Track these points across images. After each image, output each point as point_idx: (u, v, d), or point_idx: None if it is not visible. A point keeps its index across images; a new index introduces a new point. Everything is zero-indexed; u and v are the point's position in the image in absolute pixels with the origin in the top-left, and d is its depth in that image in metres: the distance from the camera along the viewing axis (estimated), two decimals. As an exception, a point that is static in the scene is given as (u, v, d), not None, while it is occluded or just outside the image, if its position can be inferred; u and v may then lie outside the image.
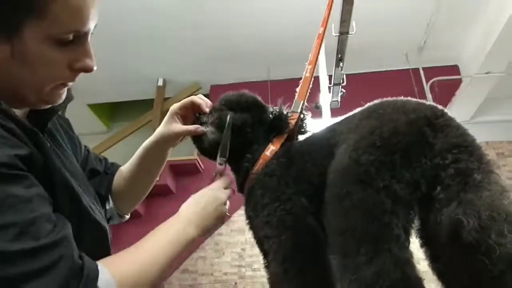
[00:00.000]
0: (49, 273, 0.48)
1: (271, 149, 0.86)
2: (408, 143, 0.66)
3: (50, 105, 0.64)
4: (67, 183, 0.63)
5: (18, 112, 0.62)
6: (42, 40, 0.55)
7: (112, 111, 5.38)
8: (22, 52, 0.54)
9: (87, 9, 0.56)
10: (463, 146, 0.65)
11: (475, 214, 0.56)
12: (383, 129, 0.68)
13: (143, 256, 0.63)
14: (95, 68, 0.62)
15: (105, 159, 0.96)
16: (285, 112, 0.90)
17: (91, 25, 0.59)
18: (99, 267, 0.53)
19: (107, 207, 0.90)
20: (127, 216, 0.97)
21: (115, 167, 0.95)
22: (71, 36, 0.56)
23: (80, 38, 0.58)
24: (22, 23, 0.53)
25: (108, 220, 0.90)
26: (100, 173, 0.90)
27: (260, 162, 0.85)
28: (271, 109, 0.93)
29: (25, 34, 0.53)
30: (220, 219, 0.79)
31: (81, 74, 0.63)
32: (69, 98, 0.69)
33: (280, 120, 0.89)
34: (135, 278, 0.58)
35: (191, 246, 0.73)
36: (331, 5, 1.04)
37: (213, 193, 0.80)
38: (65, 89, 0.64)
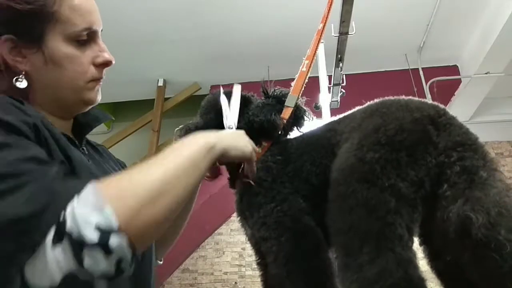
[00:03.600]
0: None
1: (263, 145, 0.85)
2: (413, 141, 0.66)
3: (90, 106, 0.73)
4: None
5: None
6: (63, 42, 0.65)
7: (112, 111, 5.38)
8: (51, 56, 0.65)
9: (90, 7, 0.68)
10: (467, 144, 0.65)
11: (484, 210, 0.56)
12: (388, 127, 0.67)
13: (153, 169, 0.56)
14: (113, 61, 0.72)
15: None
16: (270, 117, 0.85)
17: (98, 26, 0.69)
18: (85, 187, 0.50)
19: None
20: (160, 262, 0.93)
21: None
22: (85, 35, 0.67)
23: (93, 36, 0.69)
24: (43, 31, 0.63)
25: None
26: None
27: None
28: (256, 103, 0.90)
29: (49, 40, 0.64)
30: (247, 149, 0.75)
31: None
32: (107, 117, 0.81)
33: (265, 129, 0.86)
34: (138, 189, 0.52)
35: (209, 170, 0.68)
36: (332, 2, 1.04)
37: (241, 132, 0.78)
38: (99, 87, 0.73)
